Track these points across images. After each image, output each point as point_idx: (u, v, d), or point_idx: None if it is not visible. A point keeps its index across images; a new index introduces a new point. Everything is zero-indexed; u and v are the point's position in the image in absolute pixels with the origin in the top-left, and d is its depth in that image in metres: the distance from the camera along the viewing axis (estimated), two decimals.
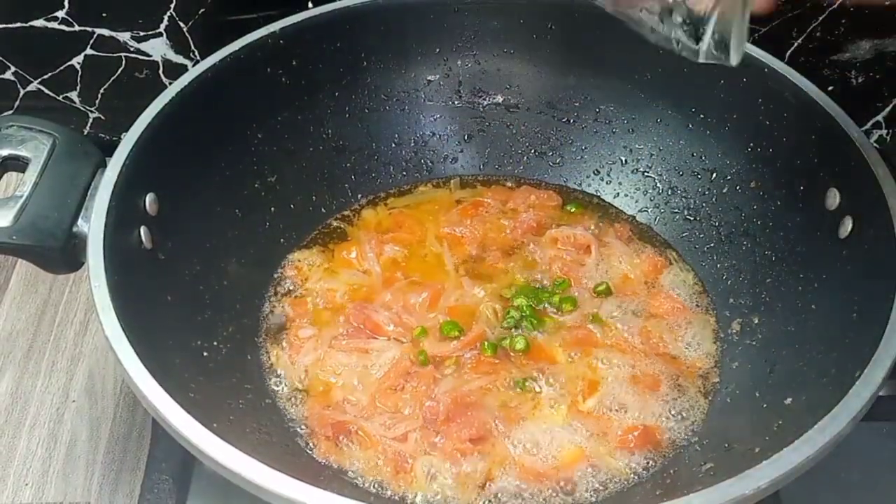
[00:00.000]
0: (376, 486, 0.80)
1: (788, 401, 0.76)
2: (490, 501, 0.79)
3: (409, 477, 0.80)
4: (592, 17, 0.99)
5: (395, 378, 0.86)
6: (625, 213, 1.05)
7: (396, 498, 0.79)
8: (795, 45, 1.11)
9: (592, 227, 1.02)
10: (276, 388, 0.87)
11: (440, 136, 1.08)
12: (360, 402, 0.85)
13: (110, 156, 0.81)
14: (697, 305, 0.95)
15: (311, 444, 0.83)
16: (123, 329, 0.69)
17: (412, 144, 1.08)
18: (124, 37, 1.13)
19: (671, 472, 0.80)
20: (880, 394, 0.67)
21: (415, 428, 0.82)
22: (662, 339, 0.91)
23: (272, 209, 0.98)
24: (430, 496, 0.79)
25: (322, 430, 0.83)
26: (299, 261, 0.98)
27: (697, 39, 0.65)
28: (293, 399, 0.87)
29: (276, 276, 0.97)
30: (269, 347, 0.91)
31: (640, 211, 1.04)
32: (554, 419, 0.84)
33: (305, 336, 0.91)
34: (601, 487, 0.80)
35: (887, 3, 0.56)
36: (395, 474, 0.80)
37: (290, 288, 0.96)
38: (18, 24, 1.11)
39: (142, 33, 1.12)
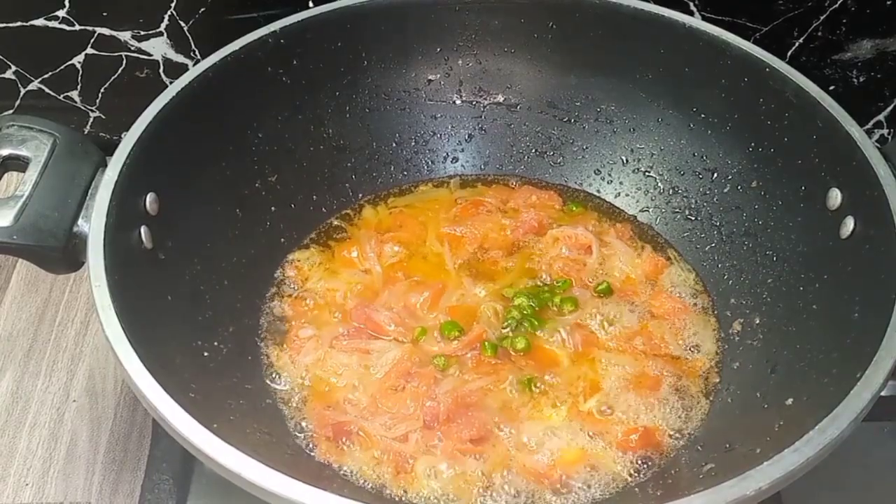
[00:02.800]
0: (377, 486, 0.80)
1: (789, 401, 0.76)
2: (491, 502, 0.78)
3: (410, 477, 0.79)
4: (593, 16, 0.99)
5: (396, 378, 0.86)
6: (626, 213, 1.04)
7: (397, 498, 0.79)
8: (797, 44, 1.11)
9: (593, 227, 1.02)
10: (276, 389, 0.87)
11: (441, 135, 1.08)
12: (360, 402, 0.85)
13: (111, 155, 0.81)
14: (698, 306, 0.95)
15: (311, 445, 0.83)
16: (124, 329, 0.69)
17: (413, 144, 1.08)
18: (125, 36, 1.13)
19: (672, 472, 0.80)
20: (882, 394, 0.67)
21: (415, 428, 0.82)
22: (664, 339, 0.91)
23: (272, 209, 0.98)
24: (430, 496, 0.79)
25: (322, 430, 0.83)
26: (299, 260, 0.98)
27: None
28: (294, 399, 0.86)
29: (276, 276, 0.97)
30: (270, 348, 0.91)
31: (641, 211, 1.04)
32: (555, 420, 0.83)
33: (306, 336, 0.91)
34: (602, 488, 0.79)
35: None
36: (396, 474, 0.80)
37: (291, 288, 0.96)
38: (19, 24, 1.11)
39: (142, 32, 1.12)
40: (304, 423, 0.84)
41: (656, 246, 1.01)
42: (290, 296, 0.95)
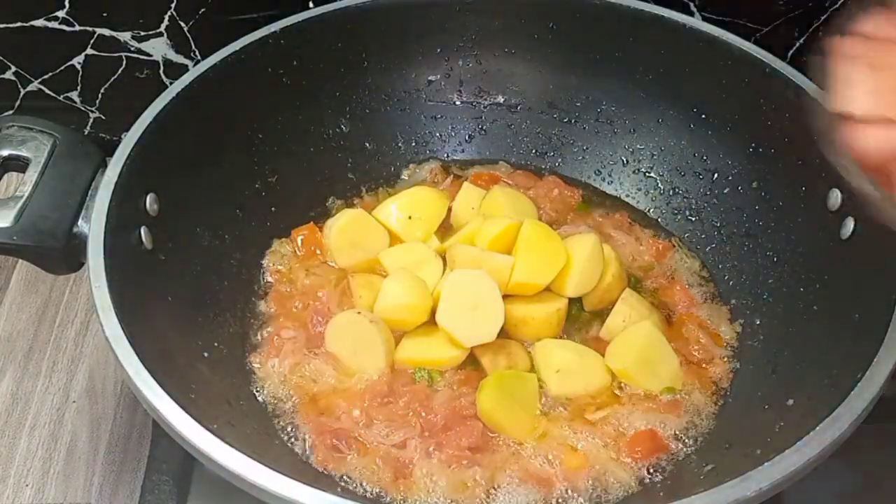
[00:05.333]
0: (375, 491, 0.78)
1: (790, 402, 0.76)
2: None
3: (409, 482, 0.78)
4: (593, 17, 0.99)
5: (372, 399, 0.84)
6: (630, 205, 1.04)
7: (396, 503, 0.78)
8: (797, 44, 1.11)
9: (593, 223, 1.01)
10: (269, 392, 0.86)
11: (441, 136, 1.08)
12: (354, 410, 0.83)
13: (111, 156, 0.81)
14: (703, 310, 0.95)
15: (310, 449, 0.82)
16: (123, 329, 0.69)
17: (413, 145, 1.08)
18: (125, 36, 1.12)
19: (673, 473, 0.80)
20: (882, 395, 0.67)
21: (413, 435, 0.80)
22: (699, 342, 0.90)
23: (272, 209, 0.98)
24: (430, 502, 0.78)
25: (320, 437, 0.81)
26: (282, 254, 0.97)
27: None
28: (287, 404, 0.85)
29: (276, 276, 0.97)
30: (262, 348, 0.89)
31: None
32: (557, 423, 0.83)
33: (287, 337, 0.89)
34: (604, 491, 0.79)
35: None
36: (395, 480, 0.79)
37: (288, 288, 0.95)
38: (19, 24, 1.11)
39: (142, 33, 1.12)
40: (301, 428, 0.83)
41: (658, 235, 1.01)
42: (285, 295, 0.94)
